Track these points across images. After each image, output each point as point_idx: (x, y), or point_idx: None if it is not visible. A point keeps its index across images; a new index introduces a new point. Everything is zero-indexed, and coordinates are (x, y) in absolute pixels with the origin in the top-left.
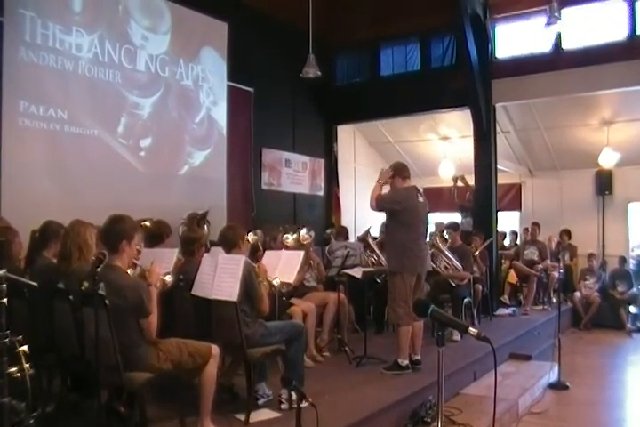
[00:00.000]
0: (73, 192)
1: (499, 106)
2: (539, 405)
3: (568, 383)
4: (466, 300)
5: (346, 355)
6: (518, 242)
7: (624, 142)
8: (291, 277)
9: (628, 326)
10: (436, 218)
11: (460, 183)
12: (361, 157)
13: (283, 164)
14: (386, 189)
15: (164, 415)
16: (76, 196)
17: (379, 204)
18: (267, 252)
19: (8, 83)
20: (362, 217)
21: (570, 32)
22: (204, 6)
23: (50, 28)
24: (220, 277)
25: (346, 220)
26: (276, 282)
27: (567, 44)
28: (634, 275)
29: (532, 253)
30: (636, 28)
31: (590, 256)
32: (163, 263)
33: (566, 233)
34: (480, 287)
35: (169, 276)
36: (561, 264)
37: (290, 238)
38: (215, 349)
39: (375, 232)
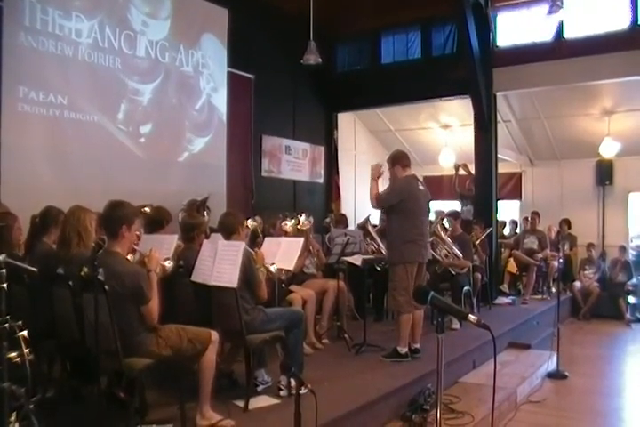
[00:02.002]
0: (72, 178)
1: (499, 95)
2: (537, 394)
3: (567, 373)
4: (465, 288)
5: (345, 342)
6: (518, 231)
7: (625, 132)
8: (290, 264)
9: (627, 316)
10: (436, 206)
11: (462, 171)
12: (361, 144)
13: (283, 151)
14: (386, 178)
15: (163, 401)
16: (75, 181)
17: (379, 203)
18: (266, 238)
19: (7, 68)
20: (361, 205)
21: (571, 21)
22: None
23: (49, 13)
24: (220, 264)
25: (346, 207)
26: (273, 268)
27: (569, 33)
28: (633, 265)
29: (531, 242)
30: (639, 18)
31: (590, 246)
32: (163, 249)
33: (566, 223)
34: (480, 276)
35: (169, 261)
36: (560, 254)
37: (288, 224)
38: (215, 335)
39: (375, 220)
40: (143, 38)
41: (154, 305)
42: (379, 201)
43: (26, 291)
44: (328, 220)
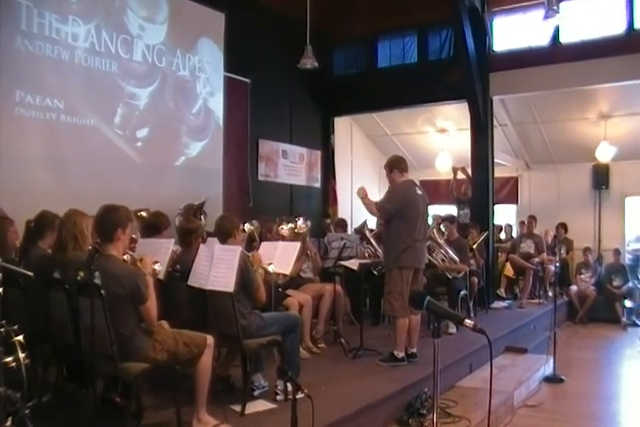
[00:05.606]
0: (69, 182)
1: (496, 99)
2: (534, 398)
3: (563, 377)
4: (462, 292)
5: (342, 347)
6: (514, 235)
7: (621, 136)
8: (287, 269)
9: (624, 319)
10: (432, 210)
11: (460, 175)
12: (358, 149)
13: (279, 155)
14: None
15: (159, 405)
16: (72, 186)
17: (382, 213)
18: (263, 243)
19: (4, 72)
20: (358, 209)
21: (568, 26)
22: None
23: (46, 17)
24: (216, 268)
25: (342, 212)
26: (270, 268)
27: (565, 38)
28: (629, 269)
29: (528, 246)
30: (634, 22)
31: (586, 250)
32: (159, 254)
33: (563, 227)
34: (476, 280)
35: (158, 264)
36: (557, 258)
37: (285, 228)
38: (210, 339)
39: (372, 224)
40: (140, 42)
41: (152, 305)
42: (381, 211)
43: (21, 295)
44: (328, 221)
